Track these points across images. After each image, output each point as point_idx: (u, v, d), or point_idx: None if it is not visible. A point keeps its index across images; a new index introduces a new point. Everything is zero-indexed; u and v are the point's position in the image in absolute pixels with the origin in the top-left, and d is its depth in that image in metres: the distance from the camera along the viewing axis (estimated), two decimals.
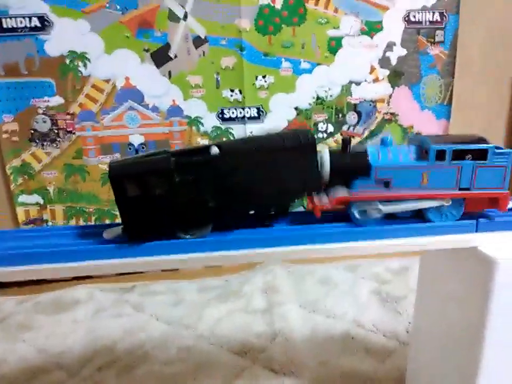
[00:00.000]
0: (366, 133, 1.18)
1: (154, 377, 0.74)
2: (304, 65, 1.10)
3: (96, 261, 0.46)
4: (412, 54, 1.15)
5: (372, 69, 1.14)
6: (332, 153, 0.50)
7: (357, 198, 0.50)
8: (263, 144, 0.47)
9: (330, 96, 1.13)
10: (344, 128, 1.16)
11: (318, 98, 1.13)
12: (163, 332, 0.87)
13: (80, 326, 0.91)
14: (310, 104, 1.13)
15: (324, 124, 1.15)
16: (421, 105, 1.19)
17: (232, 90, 1.08)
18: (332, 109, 1.14)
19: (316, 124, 1.14)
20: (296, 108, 1.12)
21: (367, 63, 1.13)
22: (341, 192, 0.50)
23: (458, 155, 0.49)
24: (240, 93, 1.08)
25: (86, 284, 1.06)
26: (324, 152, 0.50)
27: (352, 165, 0.50)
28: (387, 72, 1.15)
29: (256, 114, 1.10)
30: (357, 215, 0.50)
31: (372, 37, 1.11)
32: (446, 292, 0.57)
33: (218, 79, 1.06)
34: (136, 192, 0.44)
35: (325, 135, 1.16)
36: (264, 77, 1.08)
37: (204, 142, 1.10)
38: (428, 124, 1.21)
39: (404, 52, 1.14)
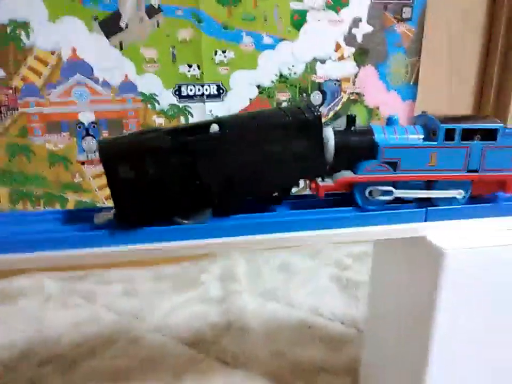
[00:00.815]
0: (331, 114, 1.14)
1: (99, 373, 0.70)
2: (267, 40, 1.04)
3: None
4: (378, 31, 1.10)
5: (337, 46, 1.09)
6: (336, 131, 0.46)
7: (364, 179, 0.47)
8: (266, 120, 0.43)
9: (294, 73, 1.08)
10: None
11: (281, 76, 1.07)
12: (113, 324, 0.82)
13: (25, 318, 0.85)
14: (273, 82, 1.07)
15: (288, 103, 1.10)
16: (387, 86, 1.16)
17: (189, 66, 1.01)
18: (296, 87, 1.09)
19: (279, 103, 1.09)
20: (258, 86, 1.07)
21: (332, 39, 1.08)
22: (346, 173, 0.47)
23: (467, 135, 0.47)
24: (199, 68, 1.01)
25: (33, 272, 0.99)
26: (327, 130, 0.46)
27: (358, 144, 0.47)
28: (353, 50, 1.10)
29: (216, 92, 1.04)
30: (362, 198, 0.47)
31: (338, 12, 1.06)
32: (398, 280, 0.55)
33: (174, 53, 0.99)
34: (130, 174, 0.40)
35: None
36: (224, 51, 1.02)
37: (160, 121, 1.03)
38: (394, 105, 1.18)
39: (370, 28, 1.09)
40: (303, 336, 0.76)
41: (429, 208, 0.48)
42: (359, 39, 1.10)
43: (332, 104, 1.13)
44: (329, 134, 0.46)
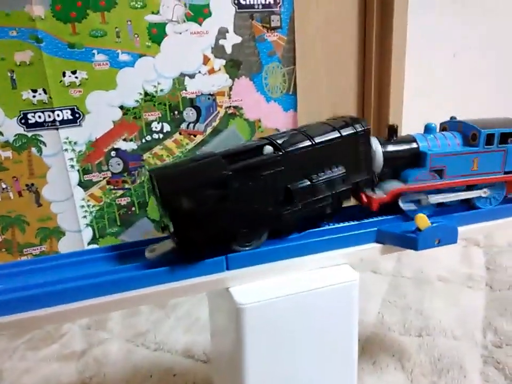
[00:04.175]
0: (209, 130, 1.07)
1: None
2: (124, 57, 0.95)
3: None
4: (248, 41, 1.05)
5: (206, 59, 1.02)
6: (381, 142, 0.47)
7: (415, 188, 0.48)
8: (319, 136, 0.43)
9: (161, 91, 1.00)
10: (183, 126, 1.04)
11: (146, 94, 0.99)
12: None
13: None
14: (137, 101, 0.98)
15: (158, 123, 1.01)
16: (266, 97, 1.11)
17: (34, 91, 0.90)
18: (165, 105, 1.01)
19: (148, 124, 1.00)
20: (121, 107, 0.98)
21: (198, 52, 1.01)
22: (395, 184, 0.48)
23: (503, 138, 0.49)
24: (45, 92, 0.90)
25: None
26: (373, 142, 0.47)
27: (405, 154, 0.48)
28: (223, 62, 1.04)
29: (70, 117, 0.93)
30: (411, 207, 0.48)
31: (200, 23, 1.00)
32: (219, 324, 0.48)
33: (14, 77, 0.88)
34: (192, 204, 0.39)
35: (161, 135, 1.03)
36: (74, 72, 0.92)
37: (7, 154, 0.91)
38: (275, 116, 1.13)
39: (238, 39, 1.04)
40: None
41: (229, 255, 0.41)
42: (229, 50, 1.04)
43: (209, 120, 1.06)
44: (376, 144, 0.47)
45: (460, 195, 0.50)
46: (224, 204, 0.40)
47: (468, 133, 0.49)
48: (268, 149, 0.42)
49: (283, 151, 0.42)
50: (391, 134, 0.48)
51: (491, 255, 1.04)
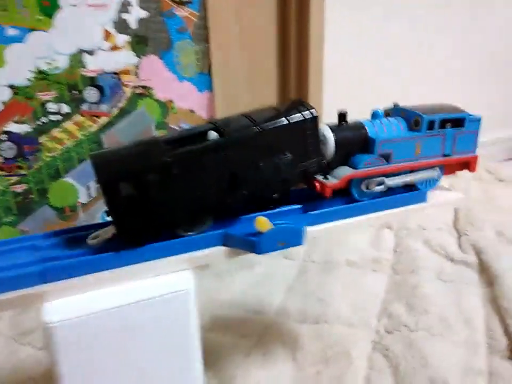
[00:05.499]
0: (116, 111, 1.01)
1: None
2: (12, 31, 0.86)
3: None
4: (155, 16, 0.98)
5: (107, 35, 0.95)
6: (332, 128, 0.48)
7: (365, 173, 0.49)
8: (265, 122, 0.43)
9: (56, 68, 0.92)
10: (84, 107, 0.97)
11: (40, 72, 0.91)
12: None
13: None
14: (29, 80, 0.90)
15: (55, 103, 0.94)
16: (179, 76, 1.05)
17: None
18: (63, 84, 0.94)
19: (43, 104, 0.93)
20: (11, 86, 0.89)
21: (98, 27, 0.94)
22: (347, 170, 0.49)
23: (442, 124, 0.52)
24: None
25: None
26: (324, 128, 0.48)
27: (355, 140, 0.49)
28: (127, 38, 0.97)
29: None
30: (360, 191, 0.50)
31: None
32: None
33: None
34: (130, 191, 0.38)
35: (60, 118, 0.95)
36: None
37: None
38: (190, 97, 1.08)
39: (144, 13, 0.97)
40: None
41: (47, 265, 0.37)
42: (133, 25, 0.97)
43: (114, 100, 1.00)
44: (327, 130, 0.47)
45: (407, 179, 0.52)
46: (165, 191, 0.40)
47: (411, 118, 0.51)
48: (212, 134, 0.41)
49: (227, 137, 0.41)
50: (341, 120, 0.49)
51: (400, 237, 1.06)
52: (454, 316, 0.80)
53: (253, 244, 0.41)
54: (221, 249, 0.43)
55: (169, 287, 0.38)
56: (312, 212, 0.47)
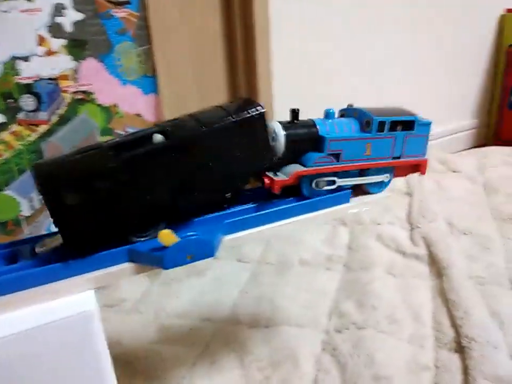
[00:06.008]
0: (55, 118, 0.97)
1: None
2: None
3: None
4: (92, 19, 0.95)
5: (41, 39, 0.91)
6: (283, 125, 0.48)
7: (314, 171, 0.49)
8: (211, 122, 0.42)
9: None
10: (21, 115, 0.93)
11: None
12: None
13: None
14: None
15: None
16: (121, 79, 1.02)
17: None
18: None
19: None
20: None
21: (31, 32, 0.90)
22: (296, 167, 0.49)
23: (393, 126, 0.52)
24: None
25: None
26: (275, 125, 0.48)
27: (305, 137, 0.50)
28: (63, 41, 0.93)
29: None
30: (311, 189, 0.50)
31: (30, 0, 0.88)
32: None
33: None
34: (76, 199, 0.37)
35: None
36: None
37: None
38: (135, 100, 1.05)
39: (80, 16, 0.94)
40: None
41: None
42: (69, 28, 0.93)
43: (53, 107, 0.96)
44: (278, 127, 0.47)
45: (358, 180, 0.52)
46: (111, 197, 0.39)
47: (362, 119, 0.52)
48: (157, 137, 0.40)
49: (173, 138, 0.40)
50: (293, 117, 0.49)
51: (354, 234, 1.06)
52: (402, 311, 0.80)
53: (159, 259, 0.39)
54: (128, 266, 0.41)
55: (70, 310, 0.36)
56: (228, 220, 0.45)
